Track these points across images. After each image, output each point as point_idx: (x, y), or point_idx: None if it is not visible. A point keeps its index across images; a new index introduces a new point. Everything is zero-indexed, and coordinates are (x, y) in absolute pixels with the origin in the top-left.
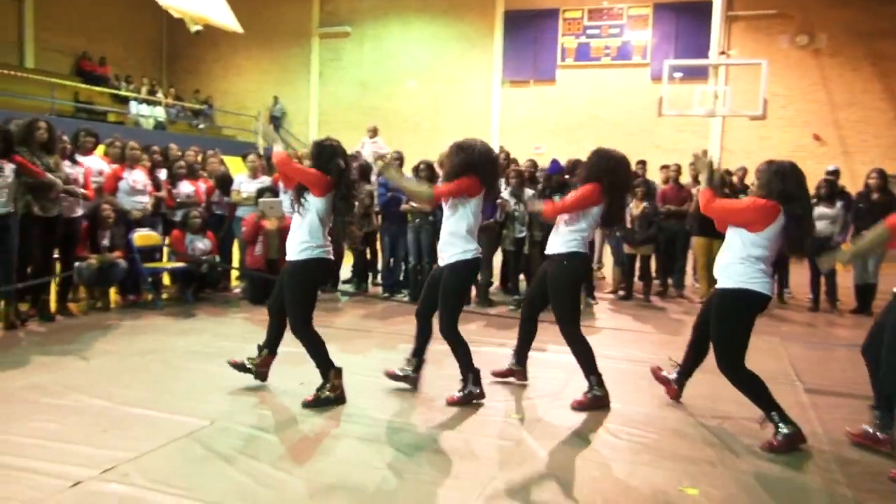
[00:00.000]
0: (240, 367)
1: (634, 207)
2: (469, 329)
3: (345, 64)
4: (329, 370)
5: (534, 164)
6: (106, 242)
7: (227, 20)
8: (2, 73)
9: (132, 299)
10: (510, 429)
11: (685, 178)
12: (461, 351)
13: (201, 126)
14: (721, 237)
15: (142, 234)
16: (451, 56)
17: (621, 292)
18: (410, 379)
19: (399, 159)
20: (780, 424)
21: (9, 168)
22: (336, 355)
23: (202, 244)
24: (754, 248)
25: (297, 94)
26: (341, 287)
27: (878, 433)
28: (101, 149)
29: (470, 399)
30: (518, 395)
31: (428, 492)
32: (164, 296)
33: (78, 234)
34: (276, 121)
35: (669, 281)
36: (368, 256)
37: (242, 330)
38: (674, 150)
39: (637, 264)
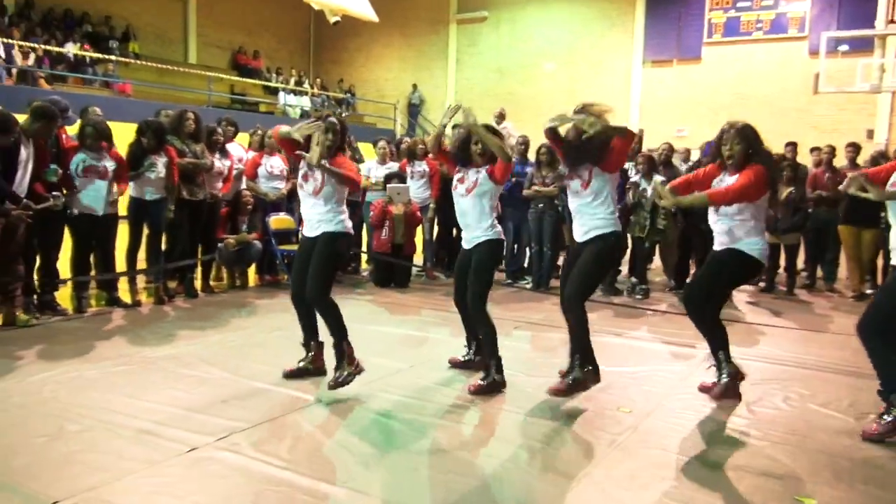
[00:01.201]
0: (297, 374)
1: (779, 192)
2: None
3: (481, 49)
4: (343, 341)
5: (670, 148)
6: (244, 226)
7: (364, 9)
8: (168, 68)
9: (268, 279)
10: (618, 421)
11: (841, 162)
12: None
13: (344, 114)
14: (866, 224)
15: (277, 218)
16: (590, 37)
17: (762, 283)
18: (475, 364)
19: (524, 143)
20: None
21: (161, 163)
22: (449, 340)
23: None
24: None
25: (435, 82)
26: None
27: None
28: (244, 138)
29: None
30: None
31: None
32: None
33: (219, 217)
34: (415, 108)
35: (819, 273)
36: None
37: (367, 311)
38: (834, 131)
39: (781, 254)
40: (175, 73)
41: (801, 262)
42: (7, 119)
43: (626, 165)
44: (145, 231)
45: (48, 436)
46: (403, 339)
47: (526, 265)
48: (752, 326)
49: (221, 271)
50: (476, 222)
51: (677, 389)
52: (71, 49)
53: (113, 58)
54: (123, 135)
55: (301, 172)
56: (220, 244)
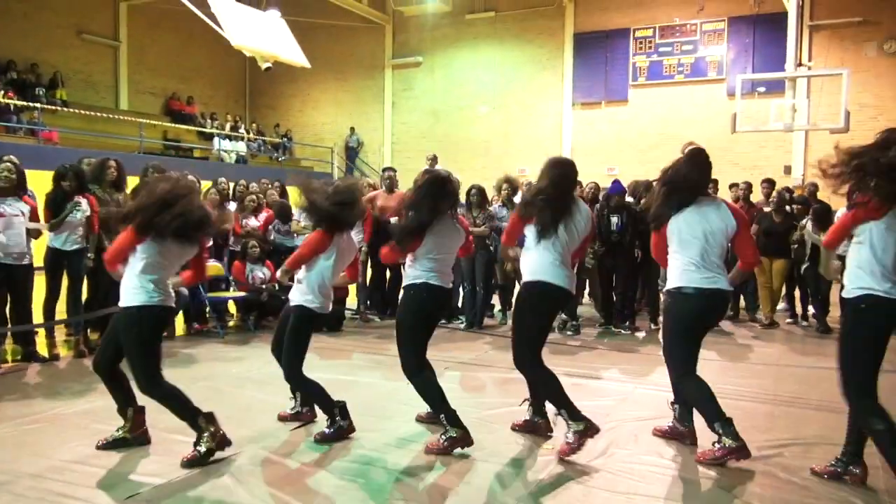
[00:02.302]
0: (294, 417)
1: None
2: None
3: (416, 93)
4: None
5: (597, 187)
6: None
7: (295, 56)
8: (98, 115)
9: (196, 328)
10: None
11: (758, 197)
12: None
13: (281, 159)
14: (777, 254)
15: (209, 265)
16: (521, 80)
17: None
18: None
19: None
20: None
21: (85, 203)
22: (380, 383)
23: (262, 273)
24: None
25: (372, 125)
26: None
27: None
28: None
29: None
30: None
31: None
32: (231, 323)
33: None
34: (353, 151)
35: (741, 304)
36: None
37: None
38: (753, 168)
39: None
40: (106, 119)
41: None
42: None
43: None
44: (64, 282)
45: None
46: (330, 384)
47: (459, 305)
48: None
49: None
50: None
51: (603, 424)
52: None
53: (38, 105)
54: (47, 183)
55: None
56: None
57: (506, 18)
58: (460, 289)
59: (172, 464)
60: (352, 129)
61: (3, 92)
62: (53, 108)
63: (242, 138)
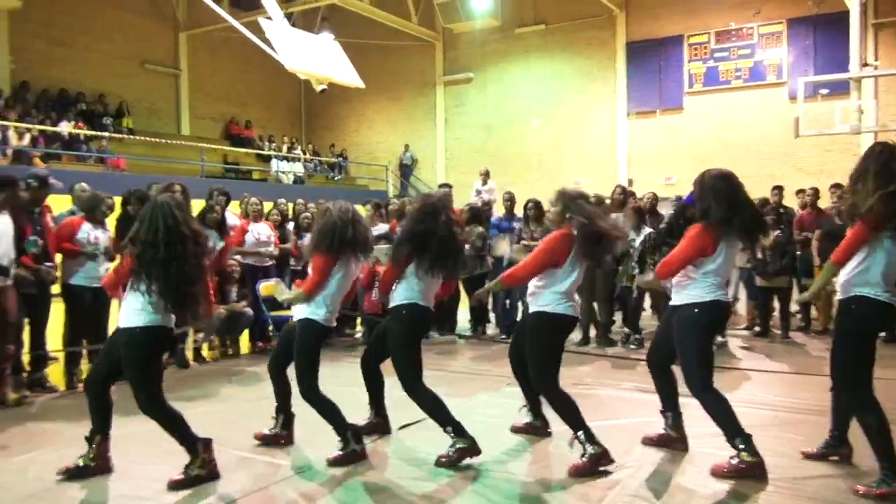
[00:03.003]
0: (271, 439)
1: (765, 237)
2: (582, 370)
3: (468, 109)
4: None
5: (655, 197)
6: (234, 294)
7: (350, 77)
8: (161, 141)
9: (260, 346)
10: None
11: (826, 202)
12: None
13: (337, 178)
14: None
15: (267, 285)
16: (572, 92)
17: (756, 328)
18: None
19: (510, 199)
20: None
21: None
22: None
23: None
24: None
25: (425, 142)
26: (458, 330)
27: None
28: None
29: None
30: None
31: None
32: None
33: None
34: (407, 168)
35: (814, 314)
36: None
37: (355, 374)
38: (819, 172)
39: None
40: (168, 145)
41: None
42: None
43: (615, 215)
44: None
45: None
46: (397, 400)
47: (518, 319)
48: (744, 372)
49: (213, 340)
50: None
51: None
52: (65, 128)
53: (106, 134)
54: (118, 209)
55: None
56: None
57: (556, 31)
58: (519, 304)
59: (242, 480)
60: (406, 146)
61: (73, 123)
62: (120, 136)
63: (299, 159)
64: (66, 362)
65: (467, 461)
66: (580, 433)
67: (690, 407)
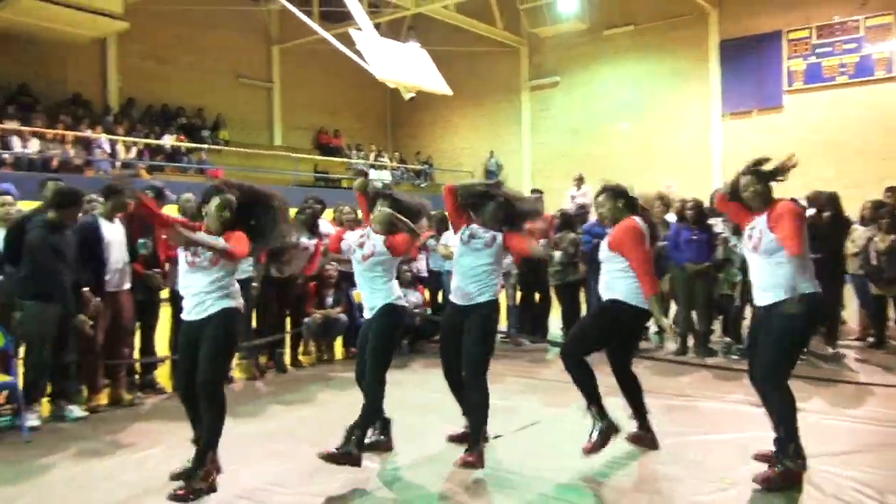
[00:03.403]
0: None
1: (880, 241)
2: (681, 381)
3: (554, 113)
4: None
5: None
6: (330, 300)
7: (437, 85)
8: (256, 152)
9: (353, 351)
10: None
11: None
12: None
13: (423, 185)
14: None
15: (360, 292)
16: (663, 93)
17: (871, 339)
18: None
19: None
20: None
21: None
22: (539, 409)
23: (414, 297)
24: None
25: (510, 147)
26: (550, 337)
27: None
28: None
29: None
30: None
31: None
32: None
33: (307, 292)
34: (492, 174)
35: None
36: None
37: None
38: None
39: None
40: (262, 156)
41: None
42: (66, 194)
43: (713, 220)
44: None
45: None
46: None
47: None
48: (863, 387)
49: (309, 345)
50: (370, 292)
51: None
52: (168, 141)
53: (205, 146)
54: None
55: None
56: (306, 319)
57: (645, 31)
58: None
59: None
60: (491, 152)
61: (175, 136)
62: (218, 147)
63: (386, 167)
64: (173, 366)
65: None
66: None
67: (805, 426)
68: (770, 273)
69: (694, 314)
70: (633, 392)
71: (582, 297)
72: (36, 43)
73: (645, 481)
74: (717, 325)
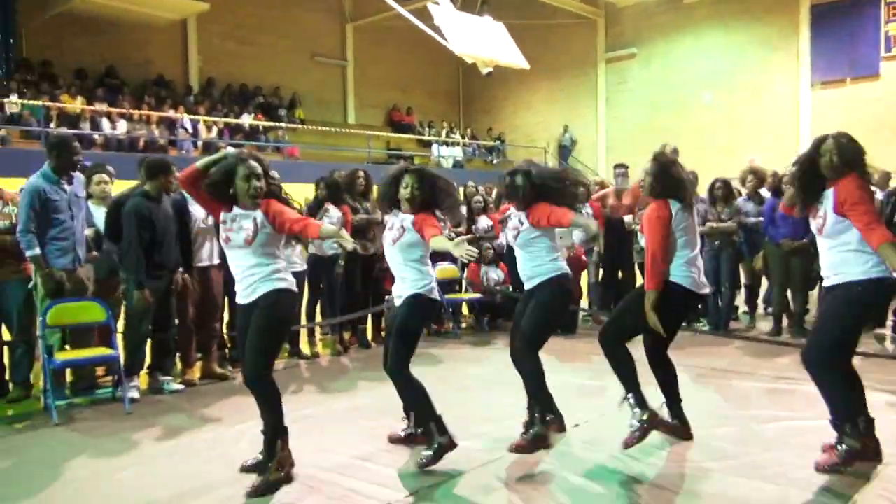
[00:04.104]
0: (406, 440)
1: None
2: (780, 362)
3: (631, 86)
4: None
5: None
6: None
7: (515, 58)
8: (330, 130)
9: (435, 329)
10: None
11: None
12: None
13: (495, 161)
14: None
15: (441, 268)
16: (748, 63)
17: None
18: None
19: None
20: None
21: (333, 209)
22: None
23: (496, 275)
24: None
25: (584, 122)
26: None
27: None
28: None
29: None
30: None
31: None
32: (463, 325)
33: (387, 269)
34: (566, 150)
35: None
36: None
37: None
38: None
39: None
40: (337, 133)
41: None
42: (154, 163)
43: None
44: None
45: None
46: (581, 390)
47: (700, 307)
48: None
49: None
50: (399, 275)
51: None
52: (246, 120)
53: (282, 124)
54: (297, 195)
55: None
56: (388, 296)
57: None
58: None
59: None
60: (565, 127)
61: (253, 115)
62: (294, 126)
63: (458, 143)
64: None
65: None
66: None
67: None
68: (834, 255)
69: (789, 293)
70: (670, 379)
71: None
72: (120, 26)
73: (758, 467)
74: (811, 305)
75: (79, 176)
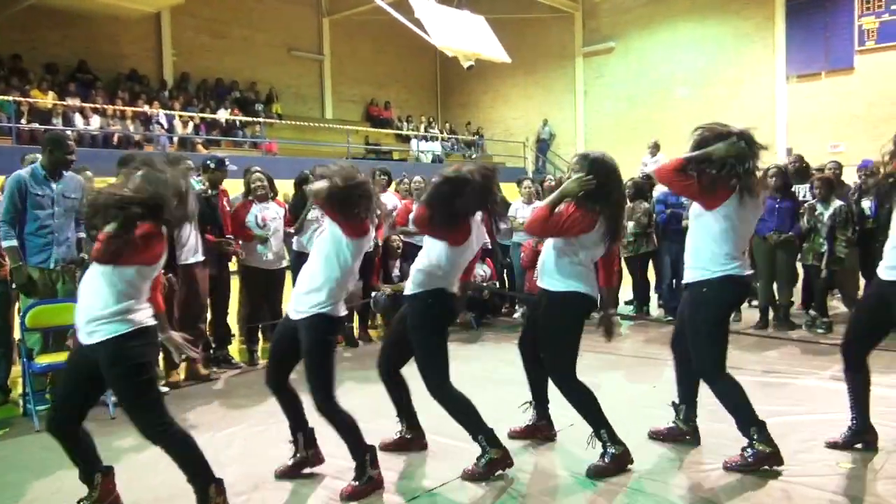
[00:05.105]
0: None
1: None
2: (769, 356)
3: (609, 80)
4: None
5: (838, 166)
6: (397, 272)
7: (497, 52)
8: (308, 125)
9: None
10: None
11: None
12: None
13: (474, 156)
14: None
15: None
16: (725, 56)
17: None
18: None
19: None
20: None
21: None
22: (624, 385)
23: (482, 271)
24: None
25: (563, 116)
26: (621, 310)
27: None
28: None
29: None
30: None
31: None
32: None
33: (372, 264)
34: (544, 144)
35: None
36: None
37: None
38: None
39: None
40: (315, 129)
41: None
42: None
43: (798, 188)
44: None
45: (244, 493)
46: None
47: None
48: None
49: (377, 319)
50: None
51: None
52: (223, 115)
53: (260, 120)
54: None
55: None
56: (374, 293)
57: None
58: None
59: (439, 468)
60: (544, 121)
61: (229, 110)
62: (271, 121)
63: (437, 138)
64: (246, 340)
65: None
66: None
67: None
68: None
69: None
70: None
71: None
72: (92, 19)
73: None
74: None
75: (77, 177)
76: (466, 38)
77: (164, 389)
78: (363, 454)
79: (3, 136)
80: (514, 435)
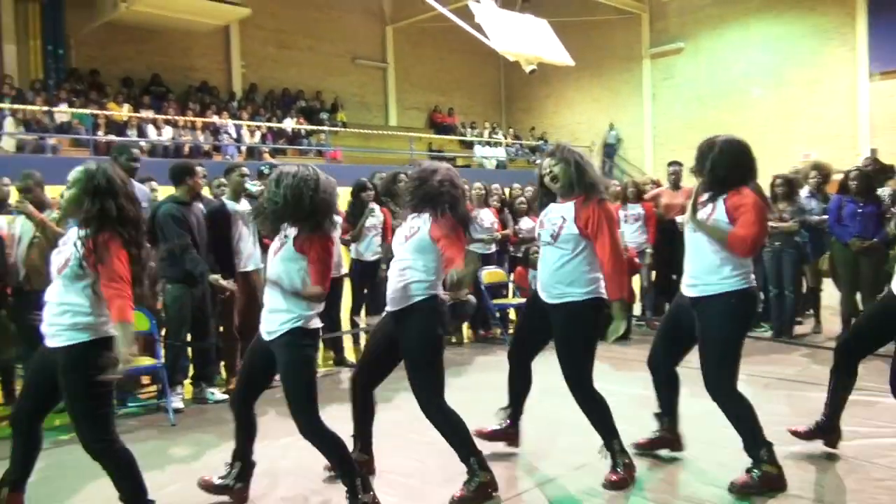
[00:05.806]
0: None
1: None
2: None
3: (678, 81)
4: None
5: None
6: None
7: (559, 55)
8: (372, 132)
9: (482, 334)
10: None
11: None
12: None
13: (538, 161)
14: None
15: (489, 272)
16: (801, 55)
17: None
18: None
19: None
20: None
21: (378, 209)
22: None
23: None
24: None
25: (630, 119)
26: None
27: None
28: None
29: None
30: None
31: None
32: (511, 331)
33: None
34: (611, 148)
35: None
36: None
37: None
38: None
39: None
40: (378, 136)
41: None
42: (176, 167)
43: (882, 191)
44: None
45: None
46: (636, 401)
47: (761, 310)
48: None
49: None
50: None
51: None
52: (289, 124)
53: (324, 128)
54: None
55: None
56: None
57: None
58: (760, 292)
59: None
60: (610, 125)
61: (295, 119)
62: (336, 129)
63: (500, 144)
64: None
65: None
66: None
67: None
68: None
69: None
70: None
71: None
72: (165, 34)
73: (839, 491)
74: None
75: (143, 188)
76: (528, 41)
77: (224, 397)
78: (353, 477)
79: (82, 148)
80: (639, 446)
